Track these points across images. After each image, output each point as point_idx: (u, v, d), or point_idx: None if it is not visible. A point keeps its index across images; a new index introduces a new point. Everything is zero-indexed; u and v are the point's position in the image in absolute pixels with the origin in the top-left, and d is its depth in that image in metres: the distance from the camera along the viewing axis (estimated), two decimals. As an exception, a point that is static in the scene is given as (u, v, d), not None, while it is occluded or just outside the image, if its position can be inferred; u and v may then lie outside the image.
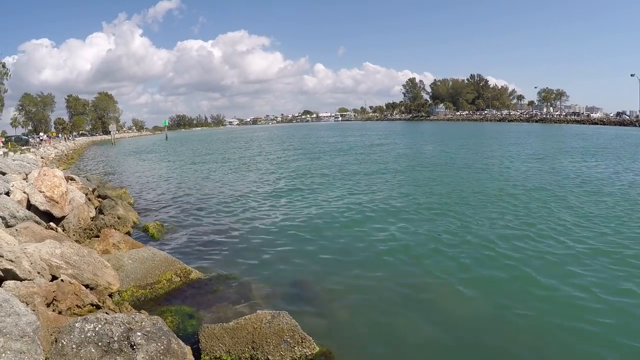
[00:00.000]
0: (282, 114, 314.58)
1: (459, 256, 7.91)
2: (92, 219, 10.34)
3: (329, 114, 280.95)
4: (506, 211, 11.11)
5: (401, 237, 9.31)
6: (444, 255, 8.02)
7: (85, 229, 9.26)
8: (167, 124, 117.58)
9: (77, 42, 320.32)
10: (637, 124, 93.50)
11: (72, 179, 13.71)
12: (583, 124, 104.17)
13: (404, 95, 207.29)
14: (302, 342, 4.64)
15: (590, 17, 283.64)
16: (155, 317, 4.32)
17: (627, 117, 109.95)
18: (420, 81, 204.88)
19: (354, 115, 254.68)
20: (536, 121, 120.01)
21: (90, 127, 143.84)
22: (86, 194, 12.38)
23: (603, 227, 9.35)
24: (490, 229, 9.60)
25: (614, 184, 14.29)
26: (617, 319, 5.48)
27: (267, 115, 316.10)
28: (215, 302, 6.10)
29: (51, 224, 8.65)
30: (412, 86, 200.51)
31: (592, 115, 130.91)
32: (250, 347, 4.52)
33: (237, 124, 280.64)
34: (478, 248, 8.32)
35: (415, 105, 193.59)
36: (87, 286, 5.55)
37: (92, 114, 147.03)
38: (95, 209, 11.45)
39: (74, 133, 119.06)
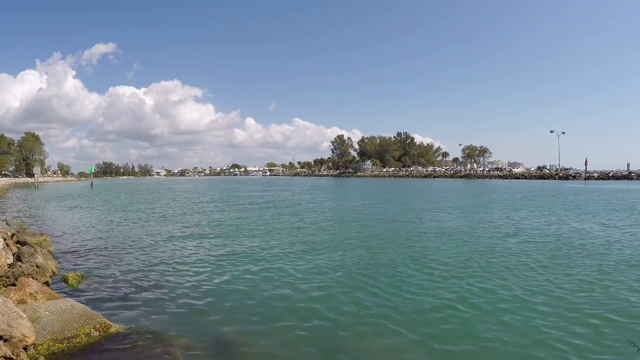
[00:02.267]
0: (210, 167, 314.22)
1: (388, 306, 8.14)
2: (9, 266, 9.88)
3: (257, 169, 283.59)
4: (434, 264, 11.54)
5: (326, 292, 9.47)
6: (368, 311, 8.21)
7: (1, 277, 8.86)
8: (93, 171, 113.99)
9: (7, 77, 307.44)
10: (556, 176, 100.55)
11: (-11, 223, 13.10)
12: (505, 178, 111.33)
13: (332, 152, 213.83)
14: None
15: (510, 75, 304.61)
16: (73, 371, 4.27)
17: (547, 171, 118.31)
18: (349, 138, 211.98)
19: (282, 171, 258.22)
20: (460, 177, 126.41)
21: (13, 167, 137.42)
22: (4, 239, 11.83)
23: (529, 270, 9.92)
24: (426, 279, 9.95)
25: (544, 233, 15.13)
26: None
27: (196, 167, 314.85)
28: (135, 357, 6.02)
29: (-36, 269, 8.25)
30: (340, 143, 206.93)
31: (514, 170, 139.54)
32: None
33: (165, 175, 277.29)
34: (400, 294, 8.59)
35: (343, 162, 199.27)
36: (0, 337, 5.36)
37: (17, 154, 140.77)
38: (13, 255, 10.95)
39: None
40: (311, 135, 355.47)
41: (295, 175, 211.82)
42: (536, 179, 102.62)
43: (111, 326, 6.91)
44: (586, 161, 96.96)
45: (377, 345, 6.77)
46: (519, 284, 9.92)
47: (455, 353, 6.46)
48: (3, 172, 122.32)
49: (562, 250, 13.79)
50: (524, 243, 15.12)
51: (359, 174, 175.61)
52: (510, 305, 8.51)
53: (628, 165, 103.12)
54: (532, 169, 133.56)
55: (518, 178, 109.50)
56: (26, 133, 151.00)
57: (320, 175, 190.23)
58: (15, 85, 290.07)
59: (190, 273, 11.40)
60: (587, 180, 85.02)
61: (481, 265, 11.87)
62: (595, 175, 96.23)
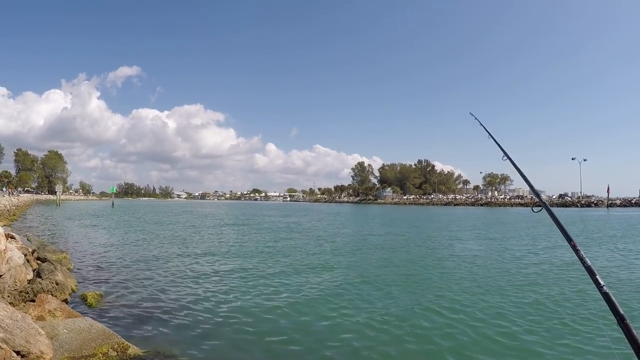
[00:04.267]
0: (231, 191, 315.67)
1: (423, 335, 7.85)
2: (29, 281, 9.85)
3: (277, 194, 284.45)
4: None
5: (353, 322, 9.20)
6: (395, 340, 7.93)
7: (21, 292, 8.79)
8: (114, 191, 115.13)
9: (33, 96, 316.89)
10: (578, 204, 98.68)
11: (12, 237, 13.15)
12: (527, 206, 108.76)
13: (353, 179, 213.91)
14: None
15: (534, 106, 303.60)
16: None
17: (569, 199, 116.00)
18: (369, 165, 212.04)
19: (303, 196, 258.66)
20: (481, 204, 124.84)
21: (36, 184, 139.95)
22: (25, 255, 11.84)
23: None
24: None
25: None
26: None
27: (216, 191, 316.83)
28: (153, 381, 5.83)
29: (-15, 283, 8.21)
30: (360, 170, 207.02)
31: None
32: None
33: (185, 198, 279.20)
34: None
35: (363, 189, 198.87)
36: (18, 353, 5.24)
37: (40, 171, 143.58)
38: (34, 271, 10.94)
39: (19, 189, 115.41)
40: (332, 162, 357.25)
41: (315, 202, 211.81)
42: (558, 206, 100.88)
43: (129, 347, 6.74)
44: (608, 188, 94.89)
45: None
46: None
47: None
48: (26, 189, 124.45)
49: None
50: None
51: (379, 201, 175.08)
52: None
53: None
54: (554, 197, 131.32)
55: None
56: (49, 151, 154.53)
57: (341, 202, 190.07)
58: (40, 103, 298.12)
59: (210, 295, 11.23)
60: (609, 208, 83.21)
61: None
62: (618, 202, 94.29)
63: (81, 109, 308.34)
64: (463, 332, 8.51)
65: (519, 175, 4.02)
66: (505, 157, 3.92)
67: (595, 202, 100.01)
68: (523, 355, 7.31)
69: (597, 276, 2.43)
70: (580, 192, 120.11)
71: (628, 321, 2.13)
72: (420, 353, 7.55)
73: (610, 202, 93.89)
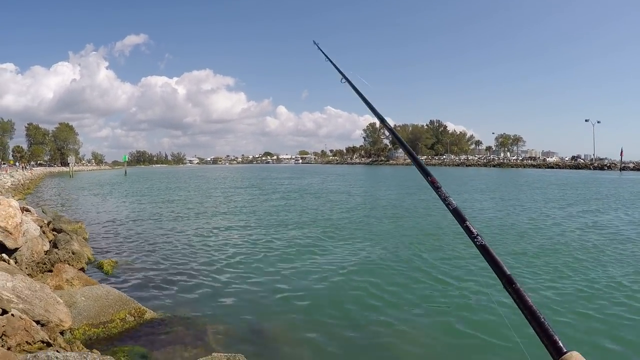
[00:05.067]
0: (242, 155, 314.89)
1: (434, 302, 8.00)
2: (46, 252, 10.06)
3: (289, 157, 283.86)
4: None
5: (367, 282, 9.37)
6: (412, 303, 8.07)
7: (38, 263, 9.02)
8: (126, 159, 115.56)
9: (42, 70, 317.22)
10: (591, 167, 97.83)
11: (27, 210, 13.36)
12: (539, 167, 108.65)
13: (364, 140, 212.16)
14: (256, 386, 4.62)
15: (546, 65, 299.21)
16: (108, 357, 4.27)
17: (582, 161, 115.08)
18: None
19: (314, 158, 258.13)
20: (494, 165, 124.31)
21: (48, 157, 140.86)
22: (41, 227, 12.05)
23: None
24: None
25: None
26: None
27: (228, 156, 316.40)
28: (170, 343, 6.02)
29: (3, 255, 8.41)
30: (372, 131, 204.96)
31: (547, 159, 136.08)
32: (203, 390, 4.47)
33: (197, 163, 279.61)
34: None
35: (375, 150, 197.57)
36: (38, 322, 5.41)
37: (52, 144, 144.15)
38: (50, 242, 11.16)
39: (32, 162, 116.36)
40: (343, 124, 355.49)
41: (327, 163, 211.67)
42: (570, 168, 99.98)
43: (146, 312, 6.94)
44: (622, 151, 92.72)
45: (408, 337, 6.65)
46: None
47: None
48: (38, 162, 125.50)
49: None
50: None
51: (391, 162, 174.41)
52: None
53: None
54: (567, 159, 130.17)
55: (552, 167, 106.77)
56: (60, 124, 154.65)
57: (352, 164, 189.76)
58: (49, 77, 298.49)
59: (223, 260, 11.42)
60: (622, 171, 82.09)
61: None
62: (631, 165, 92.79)
63: (90, 79, 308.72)
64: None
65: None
66: (344, 80, 3.73)
67: (608, 165, 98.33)
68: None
69: (468, 223, 1.98)
70: (593, 155, 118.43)
71: (518, 285, 1.72)
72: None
73: (624, 165, 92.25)
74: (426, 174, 2.36)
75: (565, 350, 1.50)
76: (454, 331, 6.64)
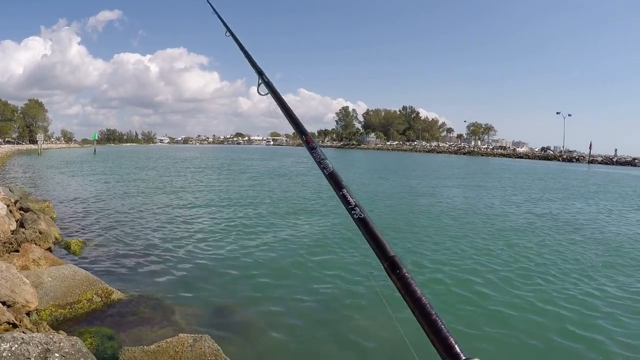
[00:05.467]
0: (214, 135, 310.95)
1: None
2: (13, 232, 9.97)
3: (261, 138, 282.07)
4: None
5: (335, 262, 9.59)
6: (377, 280, 8.29)
7: (4, 243, 8.93)
8: (96, 138, 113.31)
9: (12, 44, 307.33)
10: (560, 158, 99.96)
11: (-8, 189, 13.16)
12: (509, 157, 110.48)
13: (337, 123, 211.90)
14: (223, 366, 4.75)
15: (519, 56, 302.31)
16: (74, 337, 4.33)
17: (551, 152, 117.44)
18: (354, 110, 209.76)
19: (286, 141, 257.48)
20: (464, 153, 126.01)
21: (17, 134, 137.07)
22: (8, 206, 11.91)
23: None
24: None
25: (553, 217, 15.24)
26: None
27: (199, 135, 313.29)
28: (137, 324, 6.10)
29: (-33, 235, 8.33)
30: (345, 114, 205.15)
31: (518, 149, 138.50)
32: (169, 370, 4.58)
33: (168, 142, 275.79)
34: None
35: (347, 134, 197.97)
36: (3, 303, 5.43)
37: (20, 121, 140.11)
38: (17, 221, 11.04)
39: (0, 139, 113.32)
40: (316, 106, 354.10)
41: (298, 146, 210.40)
42: (539, 159, 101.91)
43: (113, 292, 6.99)
44: (590, 145, 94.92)
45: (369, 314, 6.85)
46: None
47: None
48: (6, 139, 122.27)
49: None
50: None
51: (362, 146, 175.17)
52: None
53: (615, 150, 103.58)
54: (536, 150, 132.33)
55: (521, 157, 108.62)
56: (29, 100, 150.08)
57: (324, 146, 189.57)
58: (19, 51, 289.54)
59: (192, 241, 11.50)
60: (590, 164, 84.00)
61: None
62: (599, 159, 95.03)
63: (61, 55, 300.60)
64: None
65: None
66: (229, 34, 3.69)
67: (577, 157, 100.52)
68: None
69: (345, 191, 1.69)
70: (563, 147, 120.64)
71: (405, 271, 1.41)
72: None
73: (592, 158, 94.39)
74: (302, 133, 2.21)
75: (463, 358, 1.21)
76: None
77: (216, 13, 4.04)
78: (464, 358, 1.21)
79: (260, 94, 2.61)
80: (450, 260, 9.90)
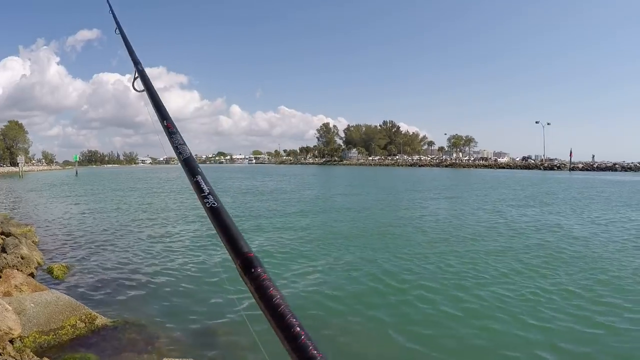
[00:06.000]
0: (196, 155, 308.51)
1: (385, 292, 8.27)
2: (-7, 258, 9.89)
3: (243, 156, 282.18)
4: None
5: (320, 283, 9.61)
6: (361, 298, 8.33)
7: (-15, 269, 8.87)
8: (77, 159, 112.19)
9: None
10: (541, 167, 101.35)
11: (-28, 214, 13.03)
12: (491, 168, 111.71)
13: (318, 140, 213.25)
14: (206, 390, 4.76)
15: (496, 64, 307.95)
16: (59, 364, 4.33)
17: (532, 161, 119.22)
18: (334, 126, 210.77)
19: (268, 159, 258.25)
20: (446, 166, 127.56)
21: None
22: (-12, 231, 11.82)
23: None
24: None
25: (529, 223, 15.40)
26: None
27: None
28: (121, 349, 6.09)
29: (-52, 262, 8.24)
30: (326, 131, 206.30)
31: (499, 159, 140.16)
32: (153, 395, 4.59)
33: (150, 163, 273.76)
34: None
35: (328, 150, 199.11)
36: (-14, 331, 5.40)
37: (0, 143, 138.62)
38: (-3, 247, 10.96)
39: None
40: (297, 123, 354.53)
41: (281, 164, 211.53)
42: (521, 168, 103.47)
43: (97, 317, 6.96)
44: (571, 152, 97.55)
45: (368, 337, 6.89)
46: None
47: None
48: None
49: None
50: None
51: (344, 162, 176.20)
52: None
53: (593, 156, 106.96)
54: (517, 159, 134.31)
55: (503, 167, 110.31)
56: (9, 121, 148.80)
57: (306, 164, 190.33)
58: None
59: (176, 265, 11.44)
60: (571, 171, 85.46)
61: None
62: (580, 166, 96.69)
63: (40, 75, 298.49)
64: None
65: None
66: (118, 32, 3.64)
67: (557, 165, 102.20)
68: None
69: (199, 178, 1.54)
70: (544, 155, 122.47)
71: (261, 271, 1.22)
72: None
73: (573, 165, 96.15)
74: (163, 118, 2.05)
75: None
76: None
77: (111, 10, 3.91)
78: None
79: (135, 89, 2.48)
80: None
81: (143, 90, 2.35)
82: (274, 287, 1.17)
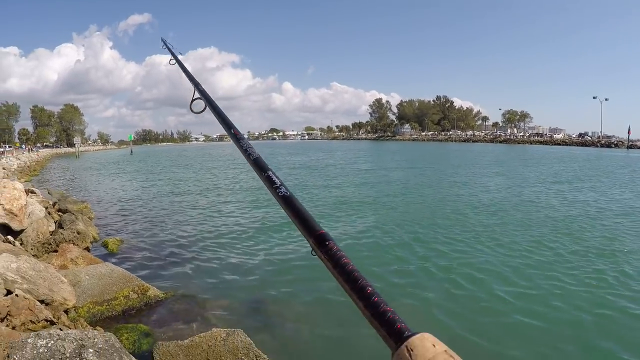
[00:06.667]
0: (249, 132, 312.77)
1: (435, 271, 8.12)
2: (52, 233, 10.22)
3: (295, 133, 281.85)
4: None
5: (368, 255, 9.51)
6: (412, 274, 8.19)
7: (43, 244, 9.17)
8: (132, 138, 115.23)
9: (45, 52, 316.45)
10: (598, 144, 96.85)
11: (32, 192, 13.50)
12: (546, 144, 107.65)
13: (371, 115, 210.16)
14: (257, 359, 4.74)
15: (555, 40, 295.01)
16: (108, 333, 4.37)
17: (589, 138, 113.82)
18: (387, 101, 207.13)
19: (320, 135, 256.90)
20: (500, 142, 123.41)
21: (54, 139, 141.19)
22: (46, 208, 12.21)
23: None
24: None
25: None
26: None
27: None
28: (172, 320, 6.16)
29: (9, 237, 8.55)
30: (378, 106, 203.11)
31: (555, 136, 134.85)
32: (204, 364, 4.60)
33: (204, 141, 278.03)
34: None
35: (381, 125, 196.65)
36: (42, 302, 5.55)
37: (57, 125, 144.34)
38: (55, 223, 11.31)
39: (38, 144, 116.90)
40: (349, 99, 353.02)
41: (333, 139, 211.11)
42: (577, 145, 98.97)
43: (149, 289, 7.06)
44: (629, 129, 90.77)
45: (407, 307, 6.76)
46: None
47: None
48: (45, 144, 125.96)
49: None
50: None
51: (397, 137, 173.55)
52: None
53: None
54: (574, 136, 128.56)
55: (559, 144, 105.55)
56: (65, 105, 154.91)
57: (359, 139, 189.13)
58: (52, 59, 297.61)
59: (226, 237, 11.57)
60: (629, 149, 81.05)
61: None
62: (639, 144, 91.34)
63: (94, 60, 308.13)
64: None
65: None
66: (174, 62, 3.68)
67: (615, 142, 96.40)
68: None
69: (270, 173, 1.66)
70: (601, 132, 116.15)
71: (333, 244, 1.26)
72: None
73: (631, 143, 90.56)
74: (229, 127, 2.22)
75: (409, 333, 0.96)
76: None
77: (167, 46, 4.03)
78: (408, 334, 0.97)
79: (192, 111, 2.60)
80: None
81: (201, 112, 2.66)
82: (346, 256, 1.23)
